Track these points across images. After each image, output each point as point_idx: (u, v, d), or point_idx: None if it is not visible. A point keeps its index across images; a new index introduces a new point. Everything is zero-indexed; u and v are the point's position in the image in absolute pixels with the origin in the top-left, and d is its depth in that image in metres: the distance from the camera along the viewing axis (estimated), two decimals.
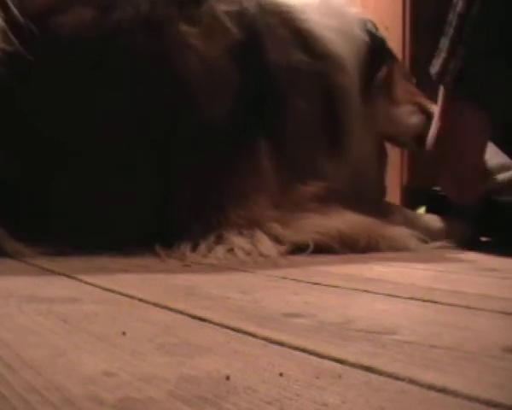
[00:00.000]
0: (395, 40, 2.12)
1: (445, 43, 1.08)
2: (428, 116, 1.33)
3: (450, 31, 1.06)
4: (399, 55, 2.08)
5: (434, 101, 1.26)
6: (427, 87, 1.57)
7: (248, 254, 0.95)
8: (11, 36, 0.94)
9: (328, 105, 1.21)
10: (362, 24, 1.35)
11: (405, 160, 1.81)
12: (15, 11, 0.96)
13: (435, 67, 1.09)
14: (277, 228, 1.02)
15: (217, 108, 1.07)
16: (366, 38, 1.33)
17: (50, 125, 0.99)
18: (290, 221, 1.04)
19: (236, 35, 1.11)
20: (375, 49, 1.35)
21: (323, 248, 1.02)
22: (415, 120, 1.39)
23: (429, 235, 1.18)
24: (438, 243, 1.16)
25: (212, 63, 1.08)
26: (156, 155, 1.03)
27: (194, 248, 0.96)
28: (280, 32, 1.18)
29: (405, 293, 0.64)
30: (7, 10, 0.96)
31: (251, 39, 1.13)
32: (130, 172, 1.02)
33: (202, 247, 0.96)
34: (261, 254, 0.95)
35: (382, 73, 1.36)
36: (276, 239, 1.00)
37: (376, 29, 1.42)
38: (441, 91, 1.12)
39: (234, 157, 1.06)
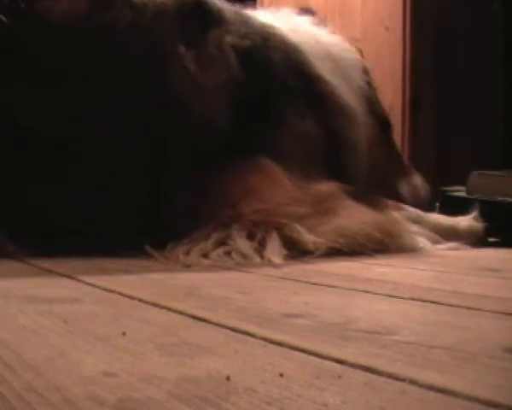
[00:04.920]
0: (395, 40, 2.12)
1: None
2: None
3: None
4: (400, 56, 2.09)
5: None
6: (425, 86, 1.58)
7: (246, 257, 0.94)
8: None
9: (333, 144, 1.20)
10: (362, 71, 1.35)
11: (405, 160, 1.81)
12: None
13: None
14: (298, 231, 1.00)
15: (208, 123, 1.06)
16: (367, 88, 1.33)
17: (39, 119, 0.98)
18: (311, 224, 1.02)
19: (237, 70, 1.09)
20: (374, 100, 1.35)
21: (334, 252, 1.00)
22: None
23: (439, 234, 1.18)
24: (448, 244, 1.16)
25: (206, 89, 1.06)
26: (152, 158, 1.03)
27: (188, 250, 0.95)
28: (286, 78, 1.17)
29: (405, 293, 0.64)
30: None
31: (252, 76, 1.11)
32: (125, 174, 1.02)
33: (198, 249, 0.95)
34: (263, 258, 0.94)
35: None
36: (292, 244, 0.98)
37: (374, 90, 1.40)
38: None
39: (234, 161, 1.05)
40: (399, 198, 1.33)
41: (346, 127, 1.22)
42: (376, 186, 1.30)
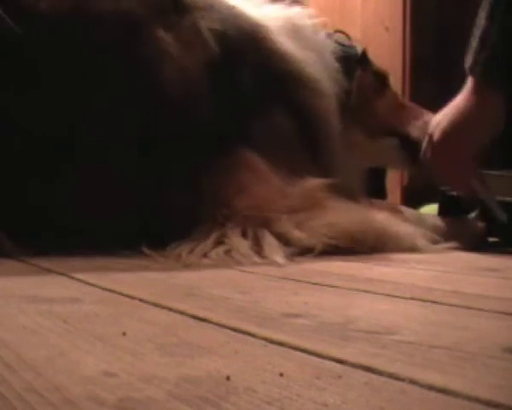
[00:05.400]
0: (395, 40, 2.12)
1: (475, 39, 1.16)
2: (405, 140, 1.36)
3: (479, 30, 1.15)
4: (400, 56, 2.09)
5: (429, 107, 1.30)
6: (425, 87, 1.58)
7: (246, 256, 0.93)
8: None
9: (307, 127, 1.20)
10: (332, 44, 1.36)
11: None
12: None
13: (468, 61, 1.17)
14: (287, 227, 1.00)
15: (192, 114, 1.06)
16: (336, 62, 1.33)
17: (29, 116, 0.98)
18: (300, 219, 1.01)
19: (216, 53, 1.10)
20: (348, 70, 1.35)
21: (332, 250, 1.00)
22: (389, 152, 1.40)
23: (439, 234, 1.18)
24: (446, 244, 1.16)
25: (188, 74, 1.07)
26: (143, 155, 1.03)
27: (190, 250, 0.95)
28: (256, 56, 1.18)
29: (405, 293, 0.64)
30: None
31: (229, 59, 1.12)
32: (119, 171, 1.02)
33: (198, 248, 0.95)
34: (264, 258, 0.94)
35: (356, 97, 1.36)
36: (285, 241, 0.98)
37: (350, 46, 1.42)
38: (469, 82, 1.20)
39: (224, 158, 1.06)
40: (411, 141, 1.37)
41: (314, 103, 1.23)
42: (384, 136, 1.38)
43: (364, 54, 1.43)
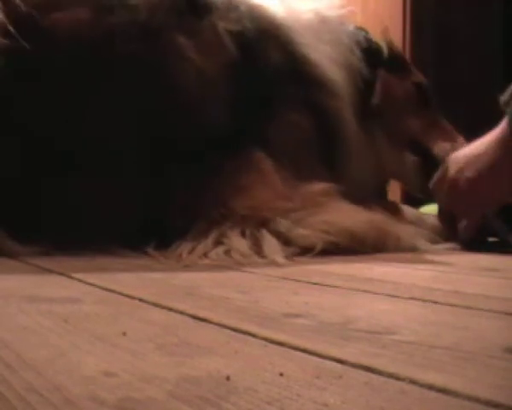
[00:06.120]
0: (395, 40, 2.12)
1: None
2: (427, 157, 1.33)
3: None
4: None
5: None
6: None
7: (246, 256, 0.93)
8: (11, 29, 0.94)
9: (321, 127, 1.20)
10: (359, 41, 1.34)
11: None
12: (17, 1, 0.96)
13: (505, 95, 1.08)
14: (286, 225, 1.00)
15: (209, 117, 1.07)
16: (361, 62, 1.32)
17: (44, 124, 0.99)
18: (299, 217, 1.02)
19: (234, 55, 1.11)
20: (371, 63, 1.33)
21: (333, 249, 1.00)
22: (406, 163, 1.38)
23: (439, 234, 1.18)
24: (446, 244, 1.15)
25: (208, 77, 1.07)
26: (149, 157, 1.03)
27: (190, 250, 0.95)
28: (275, 56, 1.18)
29: (405, 293, 0.64)
30: (8, 3, 0.96)
31: (248, 61, 1.13)
32: (124, 173, 1.02)
33: (199, 249, 0.95)
34: (264, 257, 0.94)
35: (377, 99, 1.34)
36: (285, 240, 0.98)
37: (374, 40, 1.40)
38: (502, 122, 1.10)
39: (228, 159, 1.06)
40: (431, 158, 1.33)
41: (330, 104, 1.22)
42: (405, 148, 1.35)
43: (396, 57, 1.40)
